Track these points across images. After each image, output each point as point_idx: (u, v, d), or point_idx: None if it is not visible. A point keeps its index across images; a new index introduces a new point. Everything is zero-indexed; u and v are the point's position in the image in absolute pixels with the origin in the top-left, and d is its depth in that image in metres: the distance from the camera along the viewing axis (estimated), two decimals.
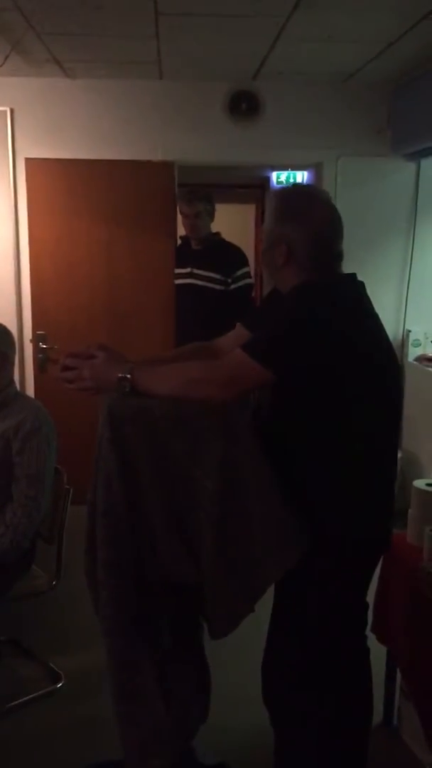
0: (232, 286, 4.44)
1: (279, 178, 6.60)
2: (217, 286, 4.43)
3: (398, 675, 2.54)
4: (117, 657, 1.80)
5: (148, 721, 1.81)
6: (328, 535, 1.88)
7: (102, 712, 2.13)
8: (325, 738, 2.02)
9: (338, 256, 1.97)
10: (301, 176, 7.06)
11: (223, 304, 4.39)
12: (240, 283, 4.44)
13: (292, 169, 5.67)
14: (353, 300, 1.91)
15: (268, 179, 6.50)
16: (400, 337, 4.78)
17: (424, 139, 4.45)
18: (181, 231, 4.67)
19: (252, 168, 5.94)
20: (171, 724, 1.80)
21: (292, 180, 7.01)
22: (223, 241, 4.55)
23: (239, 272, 4.44)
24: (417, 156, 4.65)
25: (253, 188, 6.91)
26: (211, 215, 4.52)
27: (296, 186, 2.05)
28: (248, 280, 4.47)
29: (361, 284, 1.97)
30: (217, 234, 4.55)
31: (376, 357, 1.91)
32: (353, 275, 1.98)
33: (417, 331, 4.75)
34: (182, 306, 4.58)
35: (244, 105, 4.58)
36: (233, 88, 4.55)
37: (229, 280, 4.43)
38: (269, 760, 2.09)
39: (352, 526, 1.93)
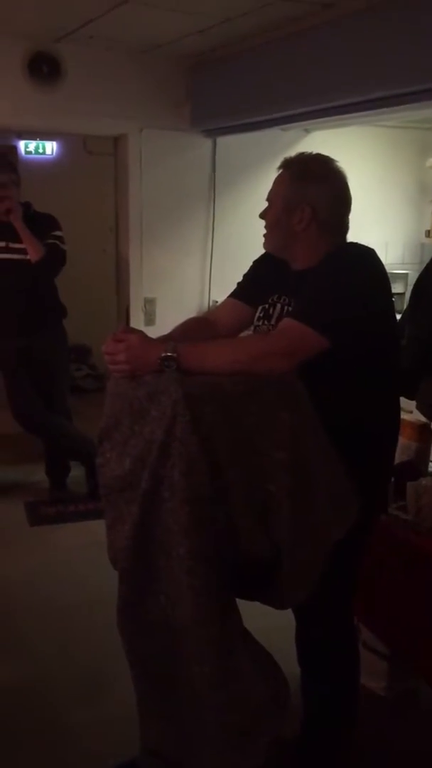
0: None
1: (27, 147, 6.33)
2: None
3: None
4: (218, 644, 1.72)
5: (251, 701, 1.77)
6: (367, 485, 1.99)
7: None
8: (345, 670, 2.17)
9: (348, 223, 2.05)
10: (51, 146, 6.83)
11: None
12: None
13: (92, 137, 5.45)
14: (380, 263, 2.01)
15: (14, 148, 6.19)
16: (206, 307, 4.96)
17: (219, 117, 4.65)
18: None
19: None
20: (270, 697, 1.79)
21: (41, 150, 6.74)
22: (37, 212, 4.26)
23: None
24: (214, 133, 4.83)
25: None
26: (18, 185, 4.20)
27: (305, 153, 2.07)
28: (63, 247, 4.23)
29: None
30: (29, 204, 4.24)
31: (394, 318, 2.07)
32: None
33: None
34: None
35: (45, 68, 4.31)
36: (32, 49, 4.26)
37: None
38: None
39: (382, 474, 2.09)
